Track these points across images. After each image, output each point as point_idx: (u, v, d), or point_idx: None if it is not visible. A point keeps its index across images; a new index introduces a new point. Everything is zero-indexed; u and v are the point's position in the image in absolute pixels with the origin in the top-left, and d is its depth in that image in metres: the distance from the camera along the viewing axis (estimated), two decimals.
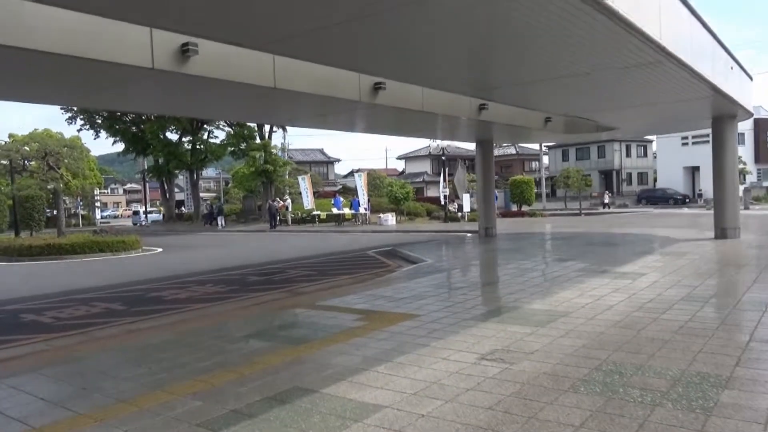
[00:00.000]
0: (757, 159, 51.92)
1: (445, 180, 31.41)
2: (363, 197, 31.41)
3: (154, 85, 8.67)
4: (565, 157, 65.93)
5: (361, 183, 31.42)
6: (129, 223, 51.69)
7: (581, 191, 40.65)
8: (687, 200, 51.07)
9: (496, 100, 12.37)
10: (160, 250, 21.48)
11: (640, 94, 11.98)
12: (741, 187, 44.36)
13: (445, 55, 8.87)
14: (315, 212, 32.73)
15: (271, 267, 14.21)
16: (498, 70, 10.36)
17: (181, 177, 48.37)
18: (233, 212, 42.77)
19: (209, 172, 72.51)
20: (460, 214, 31.94)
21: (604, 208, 44.56)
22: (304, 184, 34.15)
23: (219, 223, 36.60)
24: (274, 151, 36.35)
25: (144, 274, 13.90)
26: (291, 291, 10.21)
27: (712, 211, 17.87)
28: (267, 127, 38.43)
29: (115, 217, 74.79)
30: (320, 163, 71.44)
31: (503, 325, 6.23)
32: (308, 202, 33.97)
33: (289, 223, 34.09)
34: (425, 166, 67.55)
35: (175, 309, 8.81)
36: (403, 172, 70.54)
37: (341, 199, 34.33)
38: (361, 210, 31.41)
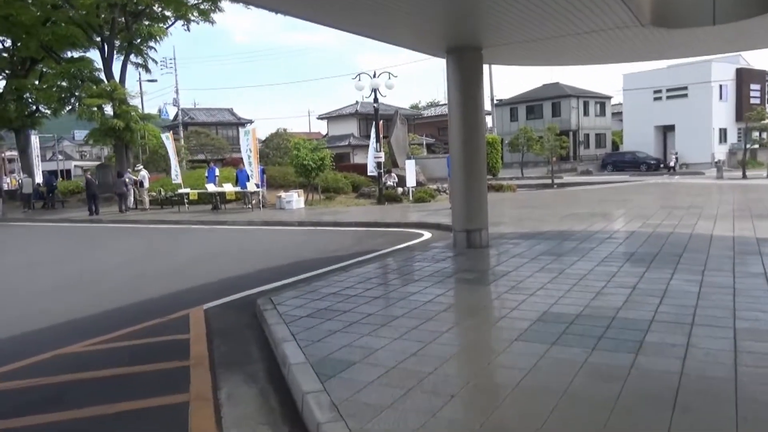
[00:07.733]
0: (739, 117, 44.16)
1: (378, 141, 20.77)
2: (252, 167, 20.17)
3: None
4: (513, 116, 56.72)
5: (248, 144, 20.15)
6: None
7: (554, 156, 31.29)
8: (661, 165, 43.13)
9: None
10: None
11: None
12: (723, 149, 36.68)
13: None
14: (182, 190, 21.26)
15: None
16: None
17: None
18: (81, 190, 30.70)
19: (80, 135, 58.25)
20: (401, 190, 21.66)
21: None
22: (169, 145, 22.54)
23: None
24: (123, 97, 24.34)
25: None
26: None
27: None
28: (118, 66, 26.24)
29: None
30: (229, 125, 59.79)
31: None
32: (176, 174, 22.45)
33: (147, 206, 22.65)
34: (351, 127, 56.53)
35: None
36: (326, 136, 59.15)
37: (217, 169, 22.57)
38: (251, 186, 20.24)
